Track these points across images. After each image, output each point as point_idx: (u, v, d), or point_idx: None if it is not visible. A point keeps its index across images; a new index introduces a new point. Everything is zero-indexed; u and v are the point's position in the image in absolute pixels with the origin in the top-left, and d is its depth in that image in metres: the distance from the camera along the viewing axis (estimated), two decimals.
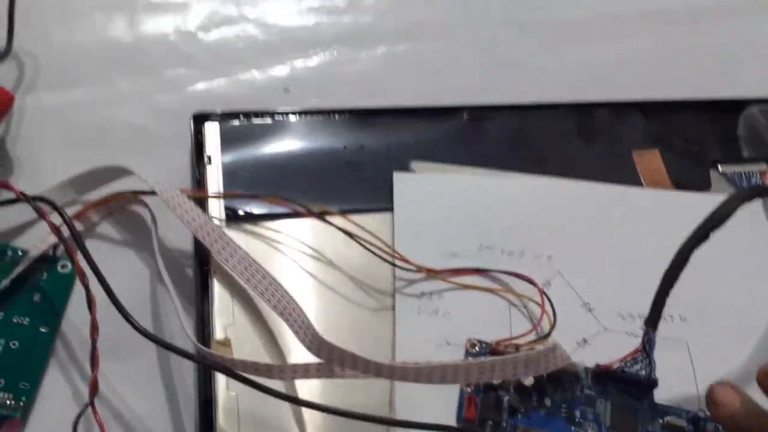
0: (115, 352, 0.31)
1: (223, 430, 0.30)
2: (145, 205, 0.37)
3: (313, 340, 0.29)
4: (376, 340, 0.33)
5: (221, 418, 0.30)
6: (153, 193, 0.35)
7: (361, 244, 0.35)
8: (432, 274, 0.35)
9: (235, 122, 0.40)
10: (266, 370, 0.29)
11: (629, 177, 0.40)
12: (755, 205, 0.38)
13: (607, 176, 0.39)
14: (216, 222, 0.36)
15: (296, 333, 0.30)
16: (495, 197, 0.38)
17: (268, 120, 0.40)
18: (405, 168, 0.39)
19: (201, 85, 0.42)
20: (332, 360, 0.29)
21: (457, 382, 0.29)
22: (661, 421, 0.31)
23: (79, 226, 0.35)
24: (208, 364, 0.31)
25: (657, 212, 0.38)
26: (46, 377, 0.31)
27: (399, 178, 0.38)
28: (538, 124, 0.41)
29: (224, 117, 0.40)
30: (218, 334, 0.33)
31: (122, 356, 0.32)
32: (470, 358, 0.29)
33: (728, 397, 0.29)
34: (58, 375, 0.31)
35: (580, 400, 0.31)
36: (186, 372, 0.32)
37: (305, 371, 0.30)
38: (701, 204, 0.31)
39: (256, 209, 0.37)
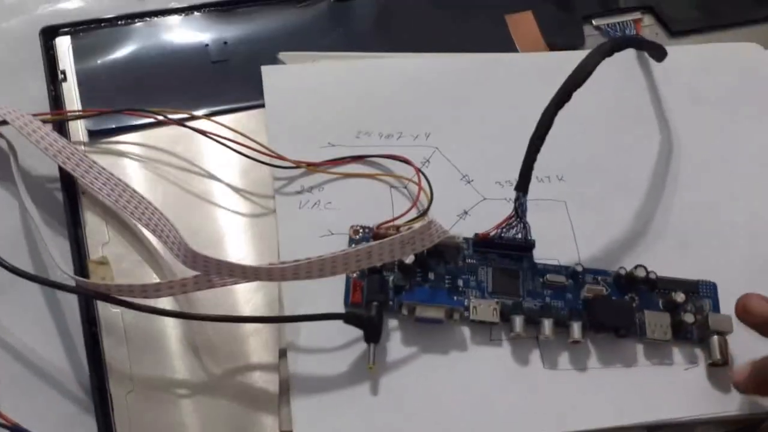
0: None
1: (110, 348, 0.30)
2: (1, 135, 0.34)
3: (186, 254, 0.29)
4: (262, 244, 0.33)
5: (106, 336, 0.30)
6: (5, 123, 0.33)
7: (232, 149, 0.34)
8: (311, 168, 0.34)
9: (88, 34, 0.37)
10: (141, 291, 0.29)
11: (504, 43, 0.39)
12: (627, 55, 0.38)
13: (481, 46, 0.38)
14: (79, 142, 0.34)
15: (170, 249, 0.30)
16: (368, 81, 0.37)
17: (123, 26, 0.38)
18: (273, 61, 0.37)
19: (48, 6, 0.39)
20: (209, 271, 0.29)
21: (338, 273, 0.29)
22: (541, 279, 0.32)
23: None
24: (84, 293, 0.30)
25: (530, 76, 0.38)
26: None
27: (267, 72, 0.36)
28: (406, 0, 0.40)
29: (76, 29, 0.37)
30: (93, 254, 0.32)
31: (3, 294, 0.31)
32: (351, 247, 0.29)
33: (760, 306, 0.29)
34: None
35: (462, 270, 0.32)
36: (70, 298, 0.32)
37: (182, 286, 0.29)
38: (574, 62, 0.31)
39: (119, 123, 0.35)
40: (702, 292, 0.32)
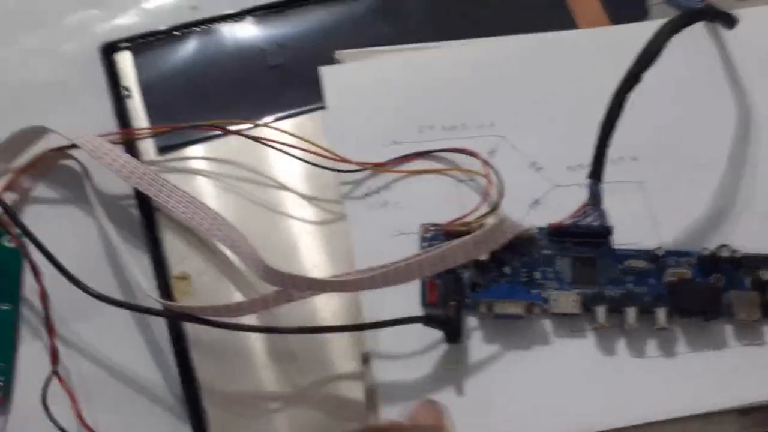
0: (75, 316, 0.32)
1: (200, 364, 0.31)
2: (74, 158, 0.35)
3: (265, 271, 0.29)
4: (334, 249, 0.33)
5: (195, 352, 0.31)
6: (76, 146, 0.34)
7: (295, 156, 0.34)
8: (376, 168, 0.34)
9: (147, 47, 0.37)
10: (225, 311, 0.29)
11: (564, 22, 0.37)
12: (697, 28, 0.36)
13: (539, 25, 0.37)
14: (149, 161, 0.35)
15: (248, 266, 0.30)
16: (426, 73, 0.36)
17: (180, 37, 0.38)
18: (330, 60, 0.37)
19: (105, 25, 0.39)
20: (287, 286, 0.29)
21: (413, 279, 0.30)
22: (621, 266, 0.32)
23: (13, 196, 0.34)
24: (171, 317, 0.31)
25: (594, 53, 0.36)
26: (18, 353, 0.32)
27: (326, 73, 0.36)
28: None
29: (134, 43, 0.37)
30: (175, 270, 0.33)
31: (84, 319, 0.32)
32: (424, 252, 0.29)
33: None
34: (28, 348, 0.32)
35: (538, 262, 0.32)
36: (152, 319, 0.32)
37: (264, 303, 0.30)
38: (640, 35, 0.30)
39: (185, 136, 0.35)
40: None
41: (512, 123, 0.35)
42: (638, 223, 0.32)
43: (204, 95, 0.37)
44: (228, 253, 0.33)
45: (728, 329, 0.30)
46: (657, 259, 0.31)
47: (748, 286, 0.31)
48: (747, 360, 0.30)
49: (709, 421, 0.29)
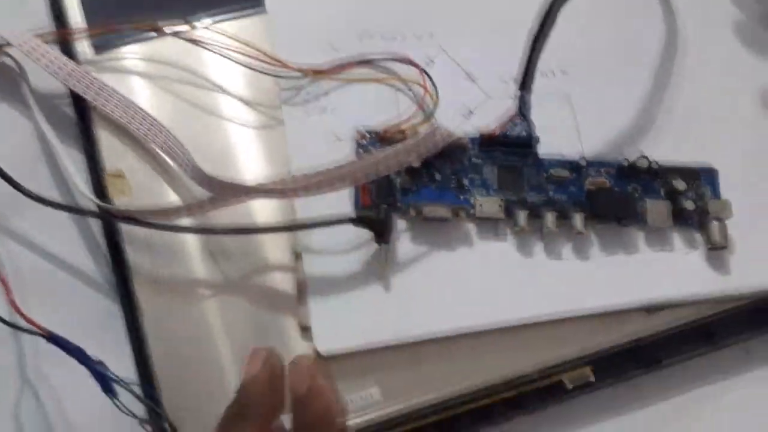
0: (11, 214, 0.32)
1: (133, 256, 0.31)
2: (10, 56, 0.35)
3: (200, 178, 0.30)
4: (272, 154, 0.34)
5: (129, 245, 0.32)
6: (11, 44, 0.33)
7: (236, 61, 0.34)
8: (316, 74, 0.34)
9: None
10: (162, 215, 0.30)
11: None
12: None
13: None
14: (86, 57, 0.34)
15: (184, 171, 0.31)
16: None
17: None
18: None
19: None
20: (223, 192, 0.30)
21: (348, 186, 0.31)
22: (545, 174, 0.33)
23: None
24: (109, 218, 0.32)
25: None
26: None
27: None
28: None
29: None
30: (109, 168, 0.33)
31: (20, 218, 0.32)
32: (358, 160, 0.30)
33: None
34: None
35: (467, 170, 0.33)
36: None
37: (200, 207, 0.31)
38: None
39: (122, 36, 0.35)
40: (703, 178, 0.33)
41: (450, 34, 0.36)
42: (564, 134, 0.34)
43: None
44: (164, 156, 0.33)
45: (641, 236, 0.32)
46: (579, 168, 0.33)
47: (662, 195, 0.32)
48: (657, 263, 0.32)
49: (618, 318, 0.31)
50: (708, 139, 0.34)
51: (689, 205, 0.32)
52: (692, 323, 0.32)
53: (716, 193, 0.32)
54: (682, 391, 0.32)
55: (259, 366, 0.26)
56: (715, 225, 0.32)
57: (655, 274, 0.32)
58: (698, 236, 0.32)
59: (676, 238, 0.32)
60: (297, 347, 0.30)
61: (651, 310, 0.31)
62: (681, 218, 0.32)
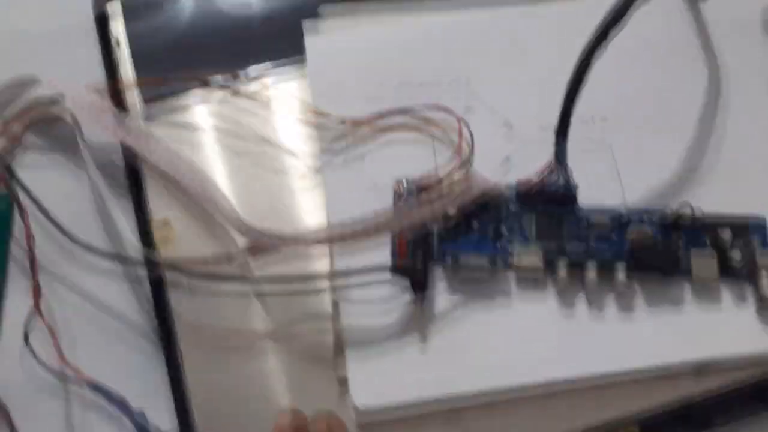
0: (60, 262, 0.33)
1: (178, 311, 0.32)
2: (65, 108, 0.36)
3: (242, 226, 0.31)
4: (311, 203, 0.34)
5: (174, 299, 0.32)
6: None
7: (281, 114, 0.35)
8: (356, 125, 0.35)
9: None
10: (205, 263, 0.31)
11: None
12: None
13: None
14: (135, 108, 0.36)
15: (225, 221, 0.32)
16: (407, 34, 0.37)
17: None
18: (314, 14, 0.37)
19: None
20: (262, 239, 0.31)
21: (384, 236, 0.31)
22: (586, 224, 0.32)
23: (4, 143, 0.36)
24: (152, 267, 0.32)
25: (568, 23, 0.35)
26: (7, 300, 0.33)
27: (310, 39, 0.36)
28: None
29: None
30: (156, 215, 0.34)
31: (68, 264, 0.33)
32: (394, 209, 0.31)
33: None
34: (17, 296, 0.33)
35: (505, 218, 0.33)
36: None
37: (242, 256, 0.32)
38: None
39: (171, 88, 0.36)
40: (751, 229, 0.32)
41: (487, 82, 0.36)
42: (604, 183, 0.33)
43: (190, 47, 0.38)
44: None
45: (687, 290, 0.31)
46: (620, 217, 0.32)
47: (708, 245, 0.31)
48: (705, 318, 0.31)
49: (665, 380, 0.30)
50: (755, 187, 0.33)
51: (737, 257, 0.31)
52: (745, 383, 0.30)
53: (766, 245, 0.31)
54: None
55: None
56: (766, 279, 0.30)
57: (703, 330, 0.30)
58: (748, 291, 0.31)
59: (725, 293, 0.31)
60: (335, 400, 0.30)
61: (699, 370, 0.30)
62: (729, 272, 0.31)
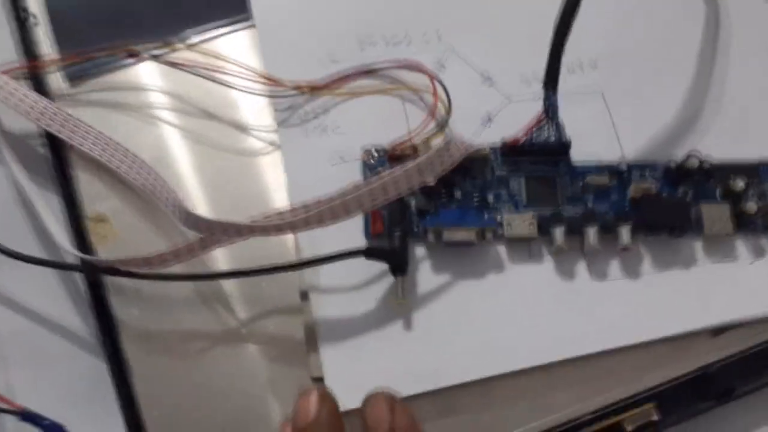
0: None
1: (120, 310, 0.28)
2: None
3: (187, 218, 0.27)
4: (270, 183, 0.30)
5: (114, 296, 0.28)
6: None
7: (222, 82, 0.30)
8: (315, 90, 0.31)
9: None
10: (149, 262, 0.27)
11: None
12: None
13: None
14: (59, 90, 0.31)
15: (170, 213, 0.28)
16: None
17: None
18: None
19: None
20: (213, 232, 0.27)
21: (354, 215, 0.27)
22: (581, 183, 0.29)
23: None
24: (91, 271, 0.28)
25: None
26: None
27: None
28: None
29: None
30: (90, 212, 0.30)
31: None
32: (363, 184, 0.26)
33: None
34: None
35: (491, 184, 0.29)
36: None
37: (189, 251, 0.27)
38: None
39: (98, 63, 0.32)
40: (763, 174, 0.29)
41: (461, 32, 0.32)
42: (598, 136, 0.30)
43: (118, 16, 0.33)
44: None
45: (698, 246, 0.28)
46: (620, 173, 0.29)
47: (719, 197, 0.28)
48: (720, 277, 0.28)
49: (679, 345, 0.27)
50: (764, 130, 0.30)
51: (751, 206, 0.28)
52: (766, 344, 0.28)
53: None
54: (758, 425, 0.28)
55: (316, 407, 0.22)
56: None
57: (719, 291, 0.28)
58: (765, 242, 0.28)
59: (740, 246, 0.28)
60: None
61: (716, 332, 0.27)
62: (743, 223, 0.28)
